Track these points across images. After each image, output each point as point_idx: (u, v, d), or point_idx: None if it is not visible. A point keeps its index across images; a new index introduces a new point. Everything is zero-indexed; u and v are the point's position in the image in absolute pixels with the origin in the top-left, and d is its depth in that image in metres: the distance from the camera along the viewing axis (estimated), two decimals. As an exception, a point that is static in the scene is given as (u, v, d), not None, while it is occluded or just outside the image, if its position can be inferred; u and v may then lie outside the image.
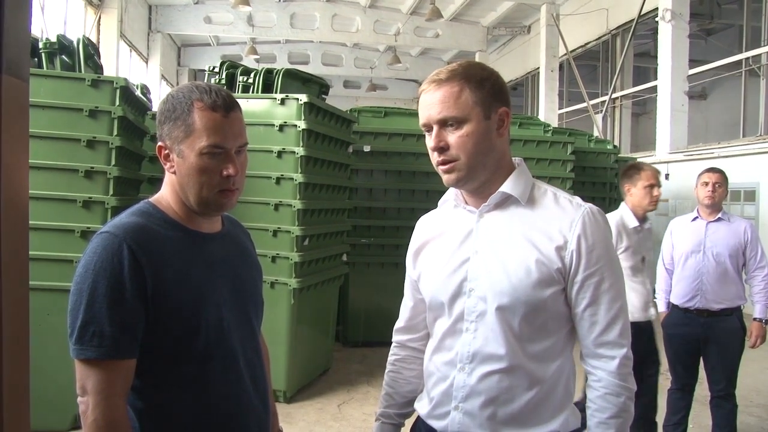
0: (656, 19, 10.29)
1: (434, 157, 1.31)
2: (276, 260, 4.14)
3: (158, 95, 12.94)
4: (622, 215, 3.18)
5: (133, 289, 1.19)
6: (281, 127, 4.20)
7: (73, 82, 3.53)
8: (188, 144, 1.26)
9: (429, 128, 1.30)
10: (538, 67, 14.76)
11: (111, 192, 3.52)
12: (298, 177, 4.15)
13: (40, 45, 3.74)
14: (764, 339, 3.44)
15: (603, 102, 12.72)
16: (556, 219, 1.29)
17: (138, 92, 4.17)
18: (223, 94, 1.29)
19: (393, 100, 21.02)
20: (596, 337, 1.28)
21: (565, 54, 13.52)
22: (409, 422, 1.51)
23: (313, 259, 4.38)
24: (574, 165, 6.35)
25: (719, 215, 3.43)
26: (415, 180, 5.87)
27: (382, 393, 1.56)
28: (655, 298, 3.45)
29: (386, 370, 1.56)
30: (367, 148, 5.71)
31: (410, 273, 1.49)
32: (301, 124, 4.16)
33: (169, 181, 1.33)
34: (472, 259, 1.31)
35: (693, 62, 10.42)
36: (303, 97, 4.18)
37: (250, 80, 4.61)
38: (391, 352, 1.57)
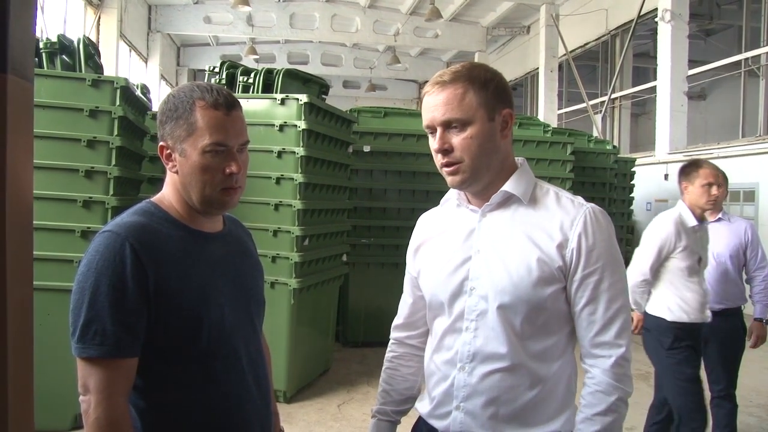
0: (656, 19, 10.29)
1: (438, 159, 1.30)
2: (276, 260, 4.15)
3: (158, 95, 12.94)
4: (681, 213, 3.03)
5: (135, 288, 1.19)
6: (281, 127, 4.20)
7: (73, 82, 3.53)
8: (190, 143, 1.26)
9: (433, 130, 1.29)
10: (538, 68, 14.74)
11: (111, 192, 3.52)
12: (299, 177, 4.15)
13: (41, 45, 3.74)
14: (764, 339, 3.44)
15: (602, 102, 12.72)
16: (558, 218, 1.29)
17: (138, 92, 4.17)
18: (224, 93, 1.29)
19: (392, 100, 21.04)
20: (594, 336, 1.28)
21: (565, 54, 13.51)
22: (409, 422, 1.50)
23: (313, 259, 4.38)
24: (574, 165, 6.35)
25: (719, 215, 3.44)
26: (415, 180, 5.88)
27: (378, 390, 1.55)
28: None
29: (383, 367, 1.55)
30: (367, 149, 5.71)
31: (410, 270, 1.49)
32: (302, 124, 4.16)
33: (171, 180, 1.33)
34: (473, 258, 1.32)
35: (692, 63, 10.41)
36: (303, 98, 4.18)
37: (251, 80, 4.60)
38: (388, 348, 1.56)
